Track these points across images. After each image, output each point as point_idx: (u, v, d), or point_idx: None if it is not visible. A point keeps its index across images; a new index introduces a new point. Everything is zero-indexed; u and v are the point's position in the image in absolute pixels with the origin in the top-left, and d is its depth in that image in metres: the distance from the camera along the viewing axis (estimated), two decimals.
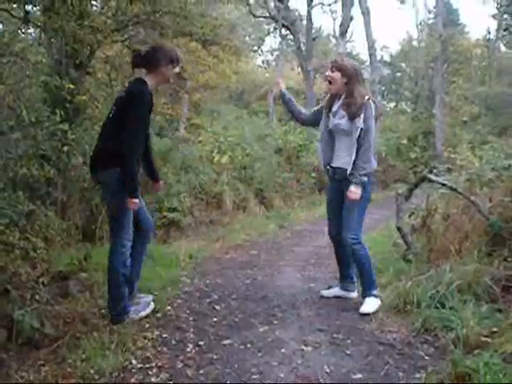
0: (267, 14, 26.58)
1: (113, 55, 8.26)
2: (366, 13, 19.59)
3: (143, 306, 4.56)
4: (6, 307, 3.87)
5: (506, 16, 27.90)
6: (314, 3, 26.39)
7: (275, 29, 31.20)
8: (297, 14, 29.33)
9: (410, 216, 6.51)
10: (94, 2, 7.32)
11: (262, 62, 41.65)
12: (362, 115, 4.55)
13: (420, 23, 35.50)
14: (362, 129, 4.56)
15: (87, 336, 3.91)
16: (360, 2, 19.66)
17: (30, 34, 7.53)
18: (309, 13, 25.22)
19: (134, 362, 3.61)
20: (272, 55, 40.83)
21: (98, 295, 4.76)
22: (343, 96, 4.74)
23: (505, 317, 3.97)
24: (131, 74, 5.67)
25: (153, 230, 4.91)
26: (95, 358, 3.55)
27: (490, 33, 32.78)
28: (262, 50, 41.18)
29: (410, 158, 19.93)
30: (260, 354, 3.76)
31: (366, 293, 4.78)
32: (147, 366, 3.56)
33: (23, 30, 6.40)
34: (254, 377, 3.40)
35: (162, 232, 8.59)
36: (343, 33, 20.57)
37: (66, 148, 6.22)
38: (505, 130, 22.10)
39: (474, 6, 68.47)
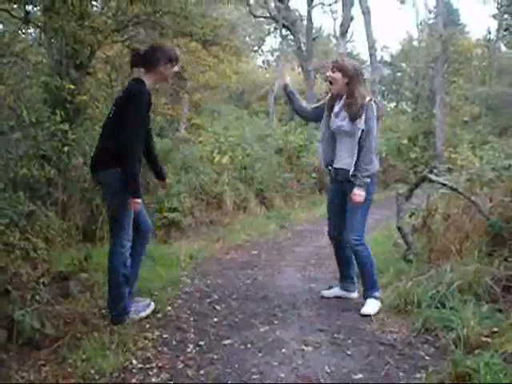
0: (267, 14, 26.58)
1: (113, 55, 8.25)
2: (366, 13, 19.56)
3: (143, 306, 4.56)
4: (7, 307, 3.87)
5: (506, 16, 27.91)
6: (314, 3, 26.42)
7: (275, 29, 31.19)
8: (297, 14, 29.34)
9: (410, 216, 6.51)
10: (94, 3, 7.31)
11: (263, 62, 41.68)
12: (363, 116, 4.55)
13: (420, 23, 35.50)
14: (363, 130, 4.56)
15: (88, 336, 3.91)
16: (360, 2, 19.63)
17: (31, 34, 7.54)
18: (309, 13, 25.24)
19: (134, 362, 3.61)
20: (272, 55, 40.84)
21: (99, 295, 4.76)
22: (344, 96, 4.74)
23: (505, 317, 3.98)
24: (131, 74, 5.66)
25: (152, 231, 4.90)
26: (96, 359, 3.55)
27: (490, 33, 32.79)
28: (262, 50, 41.20)
29: (411, 158, 19.93)
30: (260, 354, 3.76)
31: (367, 294, 4.78)
32: (148, 366, 3.56)
33: (23, 31, 6.39)
34: (255, 377, 3.40)
35: (162, 232, 8.58)
36: (343, 33, 20.55)
37: (66, 148, 6.22)
38: (505, 130, 22.11)
39: (474, 5, 68.51)
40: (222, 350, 3.85)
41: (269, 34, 36.92)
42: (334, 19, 42.52)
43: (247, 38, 36.18)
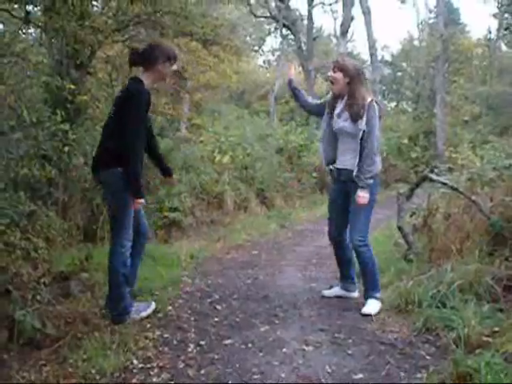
0: (268, 14, 26.57)
1: (114, 55, 8.25)
2: (366, 12, 19.56)
3: (144, 306, 4.56)
4: (8, 307, 3.87)
5: (506, 15, 27.88)
6: (314, 3, 26.40)
7: (276, 29, 31.20)
8: (297, 13, 29.32)
9: (411, 215, 6.51)
10: (94, 3, 7.31)
11: (263, 61, 41.69)
12: (365, 117, 4.55)
13: (421, 23, 35.49)
14: (364, 131, 4.55)
15: (88, 336, 3.91)
16: (361, 2, 19.63)
17: (31, 34, 7.53)
18: (309, 12, 25.24)
19: (135, 362, 3.61)
20: (273, 55, 40.88)
21: (99, 295, 4.76)
22: (346, 97, 4.74)
23: (506, 316, 3.98)
24: (131, 74, 5.67)
25: (148, 232, 4.89)
26: (96, 358, 3.55)
27: (490, 32, 32.78)
28: (262, 50, 41.21)
29: (411, 158, 19.91)
30: (261, 354, 3.76)
31: (368, 294, 4.77)
32: (148, 366, 3.56)
33: (24, 31, 6.39)
34: (255, 377, 3.40)
35: (163, 232, 8.58)
36: (344, 32, 20.54)
37: (67, 148, 6.22)
38: (506, 130, 22.11)
39: (474, 5, 68.46)
40: (223, 350, 3.85)
41: (269, 33, 36.95)
42: (335, 19, 42.66)
43: (248, 38, 36.17)
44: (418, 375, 3.38)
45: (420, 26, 35.51)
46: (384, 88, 35.64)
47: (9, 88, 5.10)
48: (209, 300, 5.17)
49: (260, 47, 40.03)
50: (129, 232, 4.33)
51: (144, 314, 4.47)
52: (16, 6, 5.87)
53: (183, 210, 9.12)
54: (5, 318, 3.81)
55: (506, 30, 27.65)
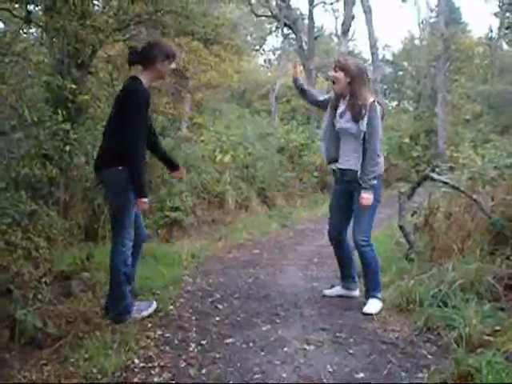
0: (269, 13, 26.60)
1: (115, 55, 8.26)
2: (367, 11, 19.54)
3: (145, 305, 4.56)
4: (9, 307, 3.87)
5: (508, 14, 27.90)
6: (315, 2, 26.40)
7: (277, 28, 31.19)
8: (298, 12, 29.37)
9: (412, 215, 6.51)
10: (95, 2, 7.33)
11: (264, 61, 41.68)
12: (366, 118, 4.53)
13: (422, 22, 35.45)
14: (365, 132, 4.54)
15: (90, 335, 3.91)
16: (362, 1, 19.61)
17: (32, 33, 7.53)
18: (310, 11, 25.22)
19: (136, 361, 3.61)
20: (274, 54, 40.88)
21: (101, 295, 4.76)
22: (348, 96, 4.73)
23: (507, 315, 3.98)
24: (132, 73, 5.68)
25: (145, 231, 4.88)
26: (98, 358, 3.56)
27: (492, 31, 32.72)
28: (263, 49, 41.21)
29: (412, 157, 19.89)
30: (262, 353, 3.76)
31: (369, 294, 4.77)
32: (150, 365, 3.56)
33: (25, 30, 6.39)
34: (257, 376, 3.40)
35: (164, 231, 8.58)
36: (345, 31, 20.53)
37: (68, 147, 6.23)
38: (507, 129, 22.10)
39: (476, 4, 68.24)
40: (224, 349, 3.85)
41: (270, 32, 36.92)
42: (336, 18, 42.71)
43: (249, 37, 36.20)
44: (420, 374, 3.38)
45: (421, 25, 35.49)
46: (385, 87, 35.66)
47: (10, 87, 5.11)
48: (210, 299, 5.17)
49: (261, 46, 40.06)
50: (130, 231, 4.33)
51: (145, 313, 4.47)
52: (17, 5, 5.88)
53: (184, 209, 9.12)
54: (6, 317, 3.81)
55: (507, 28, 27.64)
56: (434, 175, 6.23)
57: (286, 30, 26.55)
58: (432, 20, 33.72)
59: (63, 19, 5.68)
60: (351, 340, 4.01)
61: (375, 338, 4.05)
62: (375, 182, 4.58)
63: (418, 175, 8.18)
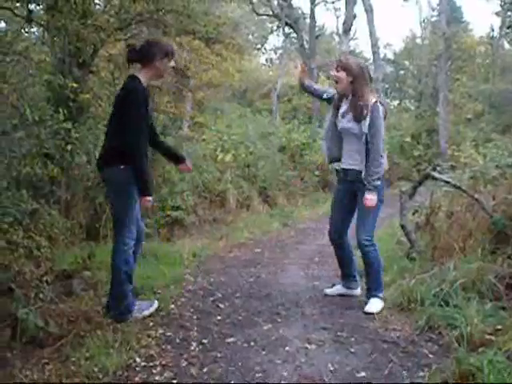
0: (270, 12, 26.63)
1: (116, 54, 8.26)
2: (369, 10, 19.54)
3: (147, 304, 4.56)
4: (10, 306, 3.88)
5: (509, 13, 27.86)
6: (317, 1, 26.39)
7: (278, 27, 31.18)
8: (300, 11, 29.41)
9: (413, 214, 6.51)
10: (97, 1, 7.34)
11: (266, 60, 41.66)
12: (368, 118, 4.52)
13: (423, 21, 35.42)
14: (368, 133, 4.53)
15: (91, 334, 3.91)
16: (363, 0, 19.61)
17: (33, 32, 7.54)
18: (312, 11, 25.20)
19: (137, 360, 3.61)
20: (275, 53, 40.87)
21: (102, 294, 4.77)
22: (350, 96, 4.72)
23: (509, 315, 3.98)
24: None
25: (144, 230, 4.89)
26: (99, 357, 3.55)
27: (493, 30, 32.67)
28: (265, 48, 41.16)
29: (414, 156, 19.89)
30: (264, 353, 3.76)
31: (371, 293, 4.76)
32: (151, 364, 3.56)
33: (26, 29, 6.39)
34: (258, 375, 3.40)
35: (165, 230, 8.58)
36: (346, 30, 20.51)
37: (69, 147, 6.23)
38: (508, 128, 22.04)
39: (477, 3, 68.20)
40: (226, 348, 3.85)
41: (272, 32, 36.88)
42: (337, 17, 42.60)
43: (250, 36, 36.15)
44: (421, 374, 3.38)
45: (423, 24, 35.47)
46: (387, 86, 35.64)
47: (11, 87, 5.11)
48: (211, 298, 5.17)
49: (262, 45, 40.02)
50: (131, 230, 4.33)
51: (146, 312, 4.47)
52: (18, 4, 5.88)
53: (186, 208, 9.12)
54: (7, 316, 3.81)
55: (508, 28, 27.61)
56: (436, 174, 6.23)
57: (287, 29, 26.59)
58: (433, 19, 33.64)
59: (64, 18, 5.68)
60: (352, 339, 4.01)
61: (376, 337, 4.05)
62: (379, 182, 4.57)
63: (420, 174, 8.17)
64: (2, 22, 6.90)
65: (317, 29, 28.20)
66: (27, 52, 5.55)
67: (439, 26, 23.77)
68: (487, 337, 3.66)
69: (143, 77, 4.35)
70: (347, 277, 5.14)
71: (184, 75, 10.95)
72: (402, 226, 6.15)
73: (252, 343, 3.94)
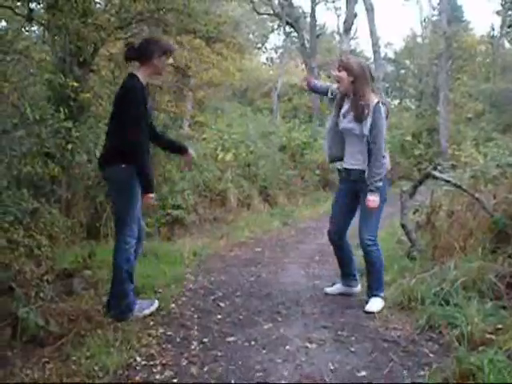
0: (271, 11, 26.63)
1: (116, 53, 8.26)
2: (370, 9, 19.52)
3: (147, 303, 4.56)
4: (11, 305, 3.88)
5: (510, 12, 27.82)
6: (317, 0, 26.37)
7: (279, 26, 31.18)
8: (301, 11, 29.34)
9: (414, 213, 6.51)
10: (97, 0, 7.33)
11: (266, 59, 41.62)
12: (370, 118, 4.52)
13: (424, 20, 35.43)
14: (370, 133, 4.53)
15: (91, 333, 3.91)
16: None
17: (34, 31, 7.55)
18: (313, 10, 25.20)
19: (138, 359, 3.61)
20: (276, 52, 40.83)
21: (103, 293, 4.77)
22: (351, 96, 4.72)
23: (509, 314, 3.98)
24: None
25: (144, 229, 4.89)
26: (99, 356, 3.55)
27: (494, 29, 32.67)
28: (265, 48, 41.13)
29: (415, 155, 19.88)
30: (264, 352, 3.76)
31: (372, 292, 4.76)
32: (151, 363, 3.56)
33: (27, 28, 6.40)
34: (258, 374, 3.40)
35: (166, 229, 8.58)
36: (347, 30, 20.52)
37: (70, 146, 6.23)
38: (509, 127, 22.03)
39: (478, 2, 68.18)
40: (226, 347, 3.85)
41: (272, 31, 36.85)
42: (338, 16, 42.39)
43: (251, 35, 36.16)
44: (421, 373, 3.38)
45: (423, 24, 35.48)
46: (387, 85, 35.63)
47: (12, 85, 5.11)
48: (212, 297, 5.17)
49: (263, 44, 39.99)
50: (133, 229, 4.33)
51: (147, 311, 4.47)
52: (19, 3, 5.89)
53: (186, 207, 9.12)
54: (8, 315, 3.81)
55: (509, 27, 27.58)
56: (436, 173, 6.23)
57: (288, 28, 26.58)
58: (434, 18, 33.64)
59: (65, 17, 5.69)
60: (353, 338, 4.01)
61: (377, 336, 4.05)
62: (381, 183, 4.56)
63: (420, 173, 8.18)
64: (3, 20, 6.89)
65: (317, 28, 28.20)
66: (28, 51, 5.56)
67: (440, 25, 23.78)
68: (488, 336, 3.66)
69: (142, 75, 4.35)
70: (347, 276, 5.14)
71: (184, 74, 10.95)
72: (403, 226, 6.15)
73: (252, 342, 3.94)
